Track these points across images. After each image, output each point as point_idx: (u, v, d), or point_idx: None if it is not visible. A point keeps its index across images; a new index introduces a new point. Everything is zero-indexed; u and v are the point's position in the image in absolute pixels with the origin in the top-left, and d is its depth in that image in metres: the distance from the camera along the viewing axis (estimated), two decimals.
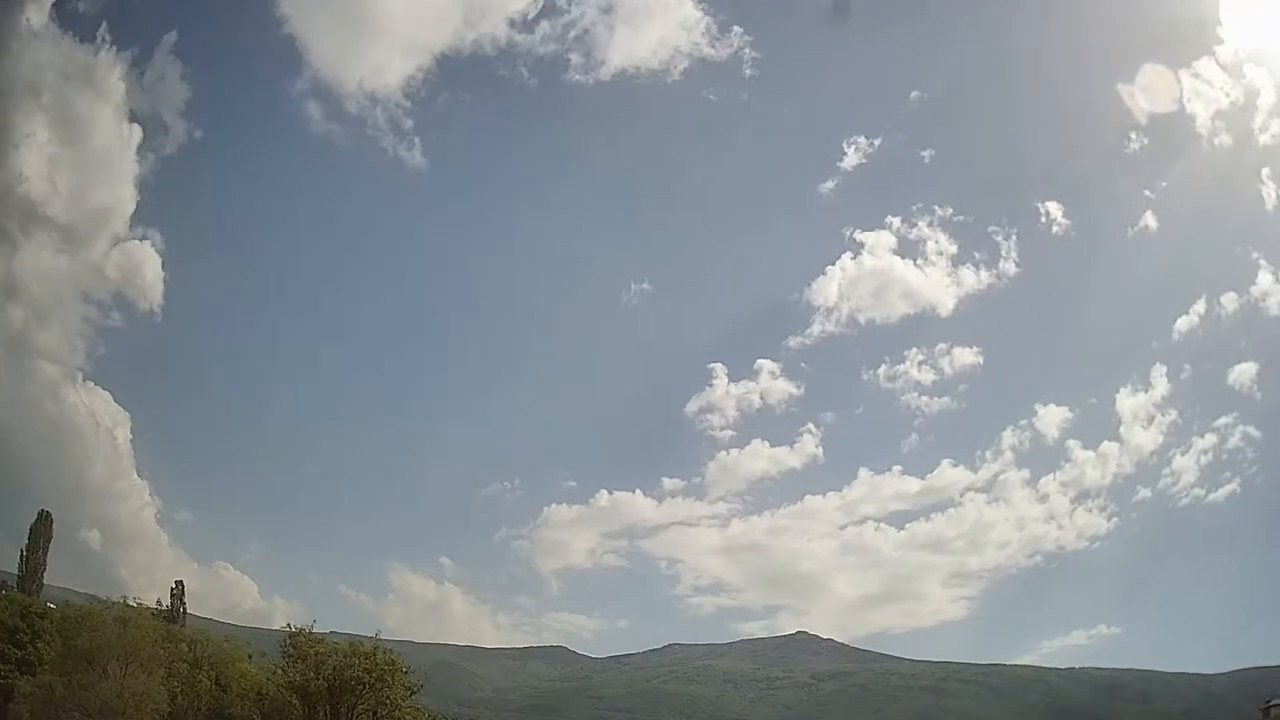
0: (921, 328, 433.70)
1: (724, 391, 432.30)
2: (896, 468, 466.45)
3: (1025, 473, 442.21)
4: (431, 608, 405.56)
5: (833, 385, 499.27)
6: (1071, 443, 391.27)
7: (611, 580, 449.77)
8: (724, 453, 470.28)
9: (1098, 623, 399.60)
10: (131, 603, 66.90)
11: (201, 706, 67.58)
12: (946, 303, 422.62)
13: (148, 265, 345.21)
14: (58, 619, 70.14)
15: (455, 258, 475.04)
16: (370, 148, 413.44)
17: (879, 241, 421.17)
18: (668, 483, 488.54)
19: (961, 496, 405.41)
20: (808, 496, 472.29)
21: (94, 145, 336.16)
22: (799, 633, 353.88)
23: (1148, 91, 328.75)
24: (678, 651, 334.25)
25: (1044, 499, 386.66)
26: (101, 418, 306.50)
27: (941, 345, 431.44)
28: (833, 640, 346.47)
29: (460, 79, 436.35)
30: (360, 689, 56.25)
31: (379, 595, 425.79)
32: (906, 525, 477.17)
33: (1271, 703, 61.94)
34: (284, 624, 63.51)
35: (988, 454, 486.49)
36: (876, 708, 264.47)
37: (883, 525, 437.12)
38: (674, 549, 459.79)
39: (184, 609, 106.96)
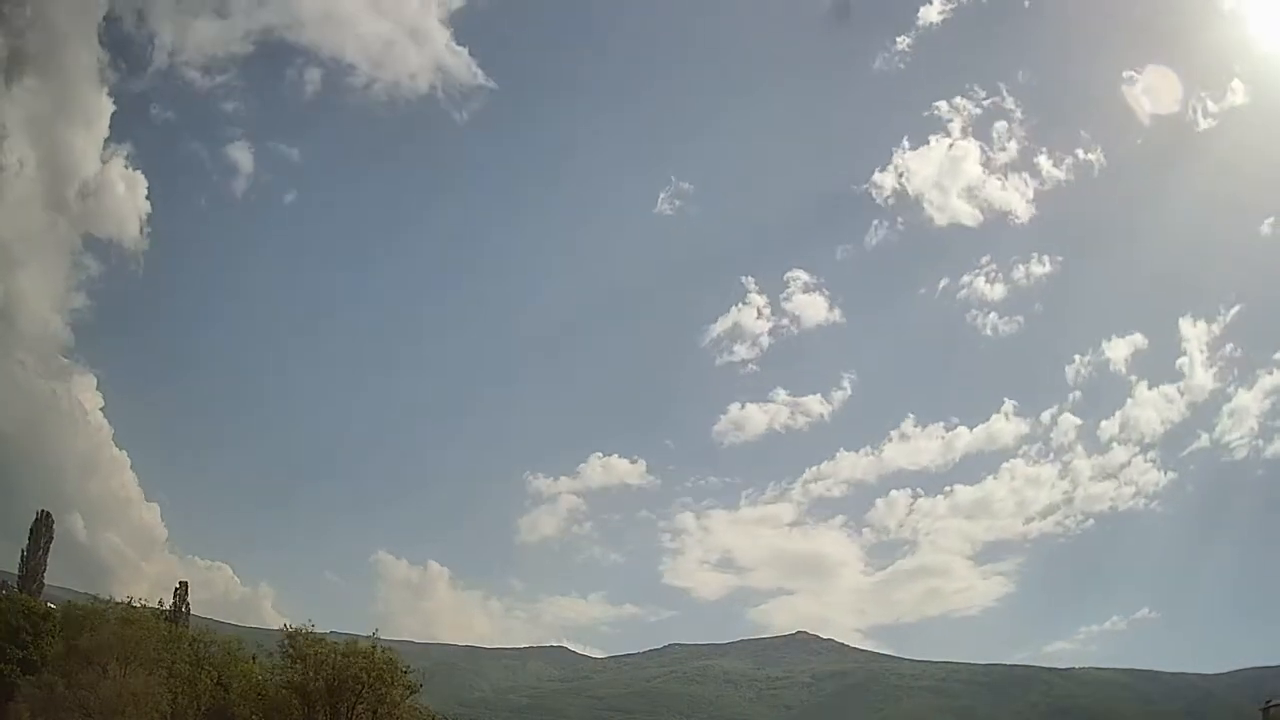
0: (991, 231, 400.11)
1: (757, 311, 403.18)
2: (953, 417, 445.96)
3: (1085, 421, 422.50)
4: (417, 592, 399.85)
5: (882, 306, 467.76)
6: (1134, 378, 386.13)
7: (610, 560, 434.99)
8: (737, 405, 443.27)
9: (1141, 606, 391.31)
10: (136, 604, 67.02)
11: (202, 706, 67.57)
12: (1020, 204, 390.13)
13: (127, 204, 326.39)
14: (59, 619, 70.20)
15: (457, 186, 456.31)
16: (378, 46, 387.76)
17: (952, 120, 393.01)
18: (672, 446, 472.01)
19: (1016, 448, 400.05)
20: (840, 451, 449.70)
21: (65, 62, 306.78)
22: (799, 632, 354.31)
23: None
24: (678, 651, 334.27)
25: (1104, 449, 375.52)
26: (78, 394, 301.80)
27: (1015, 255, 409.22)
28: (833, 640, 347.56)
29: None
30: (359, 688, 56.32)
31: (364, 582, 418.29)
32: (945, 489, 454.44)
33: (1271, 703, 61.96)
34: (275, 620, 63.92)
35: (1049, 394, 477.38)
36: (876, 708, 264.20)
37: (918, 490, 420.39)
38: (679, 524, 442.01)
39: (187, 609, 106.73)
